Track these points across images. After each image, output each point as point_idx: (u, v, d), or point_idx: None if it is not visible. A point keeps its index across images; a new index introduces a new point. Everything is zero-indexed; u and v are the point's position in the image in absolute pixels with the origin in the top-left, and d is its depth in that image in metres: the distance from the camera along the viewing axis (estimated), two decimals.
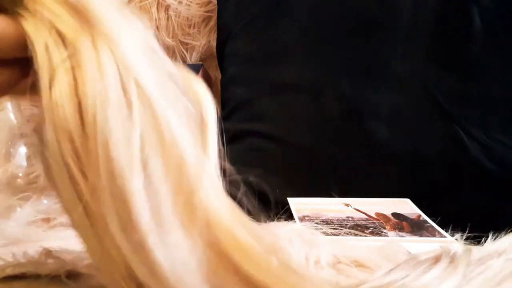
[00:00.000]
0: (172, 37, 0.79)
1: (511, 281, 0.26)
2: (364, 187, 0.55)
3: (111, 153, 0.20)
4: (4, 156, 0.49)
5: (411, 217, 0.49)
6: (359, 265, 0.33)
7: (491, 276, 0.26)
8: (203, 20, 0.80)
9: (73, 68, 0.21)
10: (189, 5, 0.79)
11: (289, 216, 0.47)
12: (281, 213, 0.47)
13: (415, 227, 0.46)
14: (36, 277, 0.32)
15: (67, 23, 0.22)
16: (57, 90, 0.21)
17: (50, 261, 0.33)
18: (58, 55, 0.21)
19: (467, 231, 0.40)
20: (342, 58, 0.59)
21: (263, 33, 0.64)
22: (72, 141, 0.20)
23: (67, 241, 0.37)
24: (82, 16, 0.22)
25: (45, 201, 0.48)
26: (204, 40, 0.80)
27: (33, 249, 0.34)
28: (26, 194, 0.47)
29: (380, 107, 0.57)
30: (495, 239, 0.34)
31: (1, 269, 0.32)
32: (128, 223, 0.20)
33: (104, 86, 0.21)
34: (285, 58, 0.61)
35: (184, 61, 0.79)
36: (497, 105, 0.56)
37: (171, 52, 0.80)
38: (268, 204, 0.46)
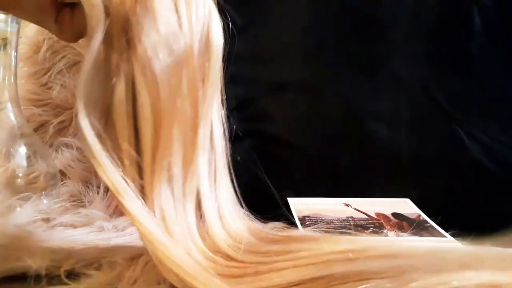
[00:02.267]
0: None
1: None
2: (364, 187, 0.55)
3: None
4: (4, 156, 0.48)
5: (411, 217, 0.49)
6: None
7: None
8: None
9: None
10: None
11: (289, 216, 0.48)
12: (281, 213, 0.47)
13: (415, 227, 0.46)
14: (36, 277, 0.31)
15: None
16: None
17: (50, 261, 0.33)
18: None
19: (467, 231, 0.40)
20: (342, 58, 0.59)
21: (262, 33, 0.64)
22: None
23: (67, 241, 0.37)
24: None
25: (45, 201, 0.48)
26: None
27: (33, 249, 0.34)
28: (26, 194, 0.47)
29: (380, 107, 0.57)
30: None
31: (1, 269, 0.32)
32: None
33: None
34: (285, 58, 0.61)
35: None
36: (497, 105, 0.56)
37: None
38: (268, 204, 0.47)
